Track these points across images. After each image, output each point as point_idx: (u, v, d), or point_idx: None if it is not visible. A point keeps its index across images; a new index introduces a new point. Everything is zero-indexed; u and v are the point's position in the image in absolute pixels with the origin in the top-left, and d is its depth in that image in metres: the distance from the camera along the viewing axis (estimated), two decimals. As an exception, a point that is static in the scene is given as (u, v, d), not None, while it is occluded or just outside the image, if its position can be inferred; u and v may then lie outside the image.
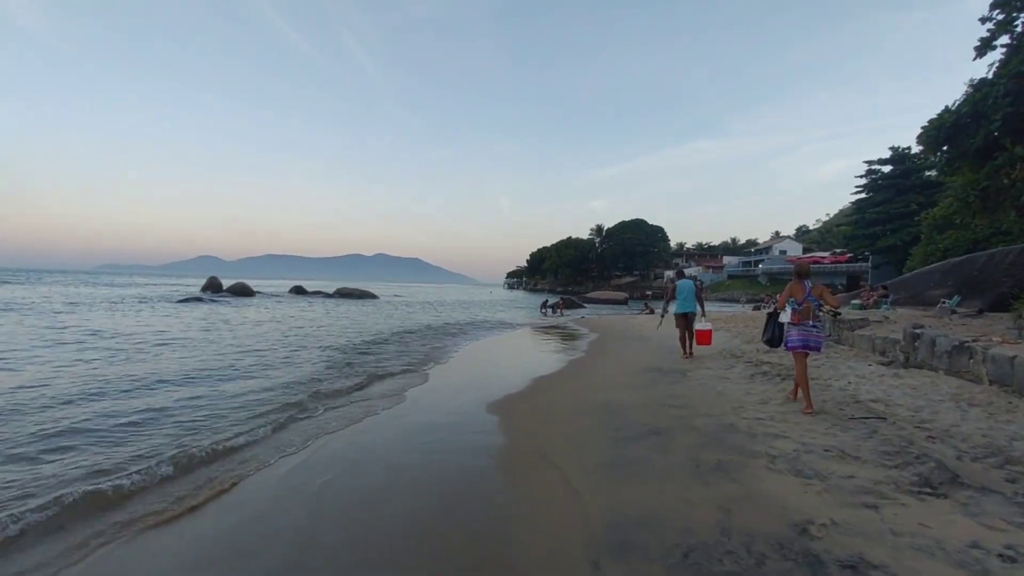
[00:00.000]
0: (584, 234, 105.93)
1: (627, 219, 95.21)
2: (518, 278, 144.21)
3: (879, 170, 52.62)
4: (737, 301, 53.32)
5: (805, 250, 78.50)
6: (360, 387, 7.40)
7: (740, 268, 78.37)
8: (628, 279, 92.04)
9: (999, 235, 29.93)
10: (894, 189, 50.05)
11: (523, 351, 12.91)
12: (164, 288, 42.26)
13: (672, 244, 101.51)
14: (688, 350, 9.58)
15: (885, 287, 17.40)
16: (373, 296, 39.07)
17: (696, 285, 9.53)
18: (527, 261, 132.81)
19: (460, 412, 6.00)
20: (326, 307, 27.21)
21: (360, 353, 10.75)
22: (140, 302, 24.54)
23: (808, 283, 5.34)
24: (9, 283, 40.41)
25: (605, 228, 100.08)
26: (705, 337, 9.33)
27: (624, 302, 49.55)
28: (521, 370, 8.94)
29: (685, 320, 9.54)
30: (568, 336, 16.02)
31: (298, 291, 40.09)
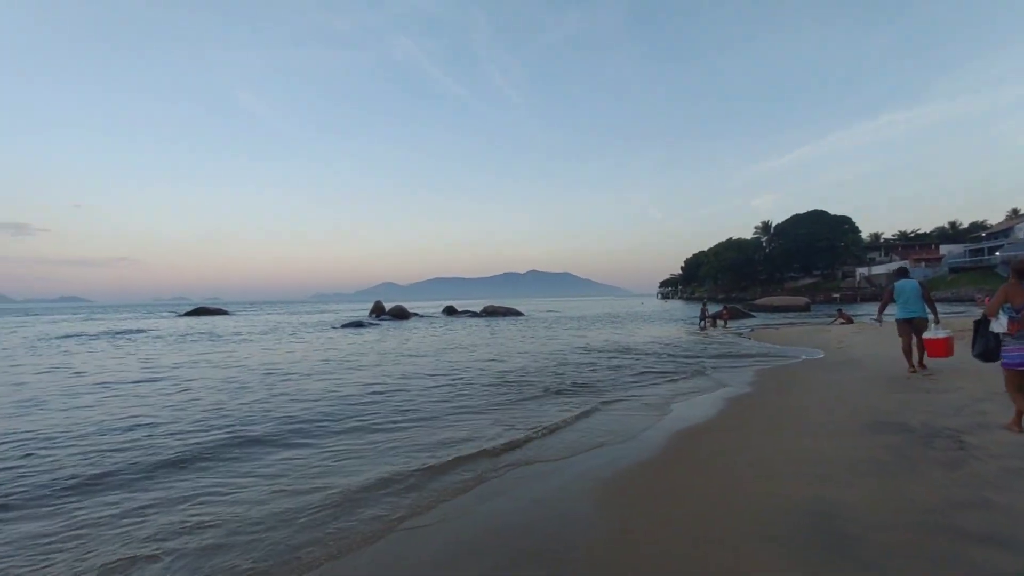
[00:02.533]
0: (747, 234, 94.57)
1: (801, 212, 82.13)
2: (672, 287, 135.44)
3: None
4: (972, 299, 41.44)
5: (1073, 229, 58.51)
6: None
7: (966, 259, 61.39)
8: (807, 281, 78.92)
9: None
10: None
11: (653, 375, 9.96)
12: (347, 313, 47.59)
13: (864, 235, 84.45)
14: (917, 363, 8.02)
15: None
16: (518, 313, 38.89)
17: (921, 285, 8.03)
18: (681, 268, 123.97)
19: (553, 502, 3.76)
20: (468, 327, 27.28)
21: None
22: (304, 328, 27.37)
23: None
24: (238, 314, 50.04)
25: (773, 225, 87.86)
26: (940, 348, 7.47)
27: (805, 308, 41.73)
28: (647, 409, 6.82)
29: (910, 326, 7.97)
30: (727, 354, 12.88)
31: (450, 311, 41.81)
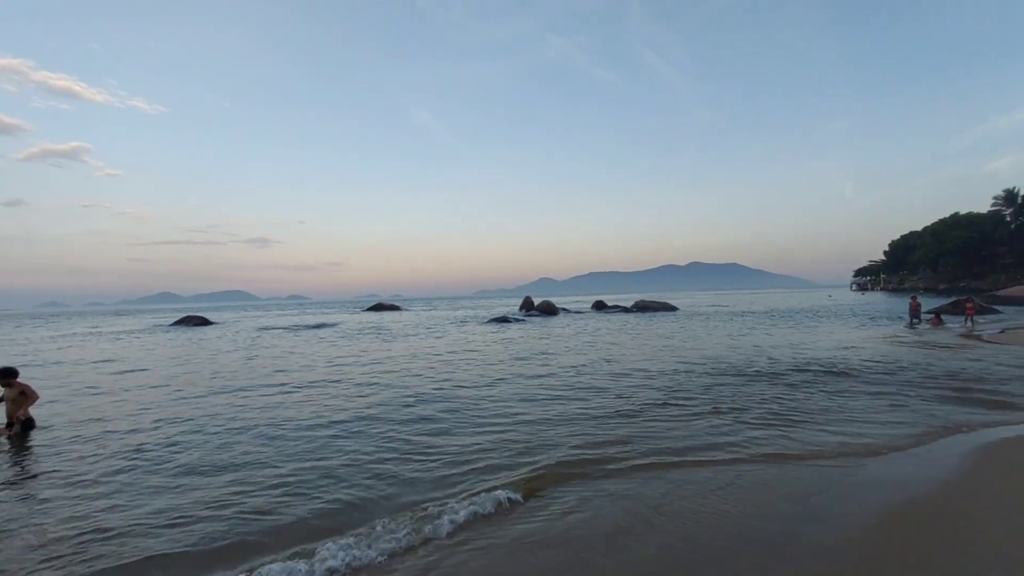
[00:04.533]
0: (981, 208, 74.36)
1: (1071, 172, 61.49)
2: (872, 275, 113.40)
3: None
4: None
5: None
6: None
7: None
8: (1082, 264, 58.93)
9: None
10: None
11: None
12: (501, 308, 49.85)
13: None
14: None
15: None
16: (672, 308, 36.14)
17: None
18: (884, 253, 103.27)
19: None
20: (616, 322, 25.97)
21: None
22: (455, 324, 28.95)
23: None
24: (409, 309, 56.17)
25: (1021, 194, 67.58)
26: None
27: (1082, 301, 30.95)
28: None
29: None
30: (975, 378, 9.06)
31: (599, 306, 40.75)
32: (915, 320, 20.19)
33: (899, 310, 28.39)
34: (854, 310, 32.82)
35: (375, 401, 8.25)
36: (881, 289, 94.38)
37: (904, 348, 13.45)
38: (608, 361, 12.12)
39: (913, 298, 21.47)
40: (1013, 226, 68.17)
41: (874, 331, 18.59)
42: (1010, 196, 70.13)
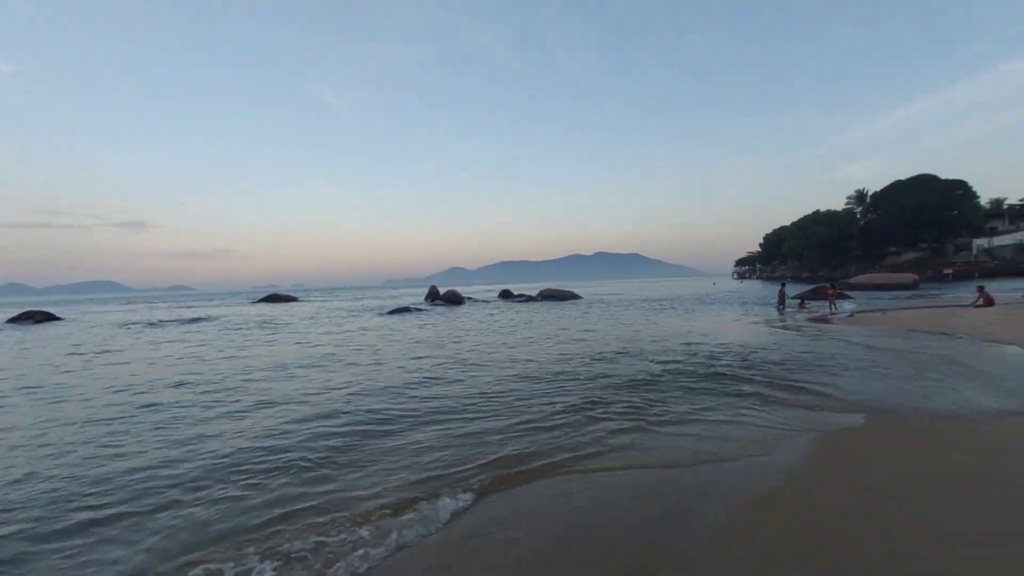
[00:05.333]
0: (836, 206, 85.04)
1: (904, 179, 72.12)
2: (750, 265, 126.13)
3: None
4: None
5: None
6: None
7: None
8: (909, 256, 69.56)
9: None
10: None
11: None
12: (406, 299, 47.92)
13: (983, 202, 72.66)
14: None
15: None
16: (576, 297, 36.93)
17: None
18: (760, 245, 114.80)
19: None
20: (517, 311, 25.81)
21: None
22: (352, 315, 27.22)
23: None
24: (307, 300, 52.27)
25: (870, 194, 78.20)
26: None
27: (914, 285, 36.26)
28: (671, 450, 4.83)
29: None
30: (823, 356, 9.97)
31: (506, 295, 40.65)
32: (783, 305, 22.12)
33: (771, 296, 31.23)
34: (733, 297, 35.69)
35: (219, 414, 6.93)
36: (757, 277, 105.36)
37: (769, 333, 14.17)
38: (481, 351, 11.60)
39: (782, 286, 23.66)
40: (863, 222, 78.62)
41: (750, 316, 20.05)
42: (860, 196, 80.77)
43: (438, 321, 21.40)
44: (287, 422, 6.15)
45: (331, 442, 5.33)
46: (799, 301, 23.56)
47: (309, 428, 5.86)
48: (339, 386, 8.25)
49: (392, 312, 27.26)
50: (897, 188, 71.74)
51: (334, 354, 12.21)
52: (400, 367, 10.01)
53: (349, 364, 10.63)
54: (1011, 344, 9.75)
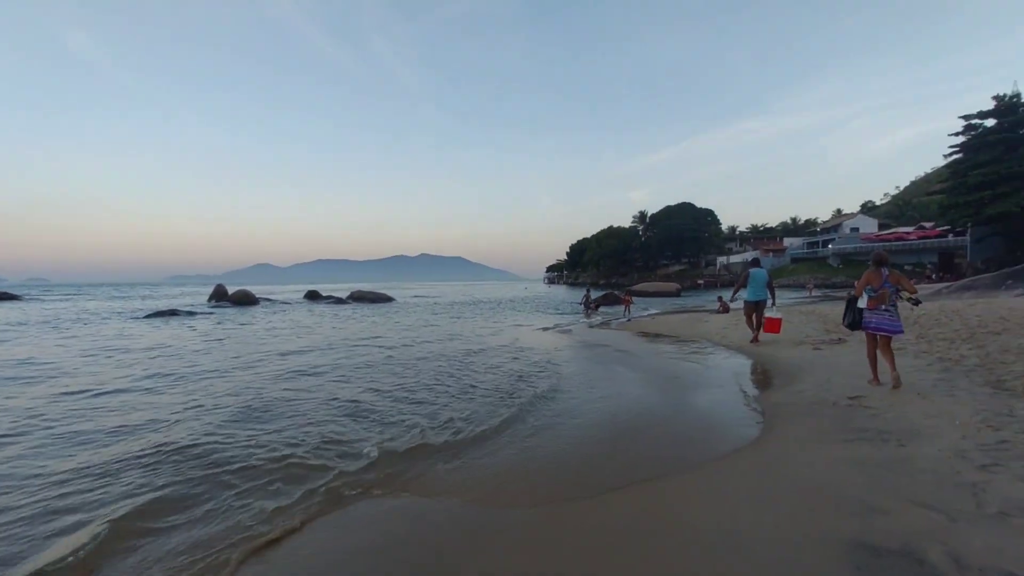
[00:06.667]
0: (626, 223, 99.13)
1: (672, 204, 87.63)
2: (558, 272, 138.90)
3: (981, 125, 43.92)
4: (803, 287, 45.53)
5: (881, 226, 69.12)
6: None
7: (805, 250, 69.90)
8: (676, 268, 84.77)
9: None
10: (1003, 146, 41.54)
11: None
12: (185, 298, 39.95)
13: (724, 228, 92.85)
14: (756, 335, 9.95)
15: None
16: (388, 299, 35.13)
17: (768, 275, 9.98)
18: (567, 254, 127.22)
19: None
20: (315, 317, 23.25)
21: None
22: (94, 319, 21.24)
23: (885, 271, 5.75)
24: (36, 299, 39.64)
25: (649, 215, 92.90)
26: (774, 325, 9.73)
27: (676, 293, 43.57)
28: None
29: (756, 307, 9.97)
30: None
31: (313, 296, 36.79)
32: (588, 308, 24.22)
33: (576, 299, 34.23)
34: (537, 300, 37.86)
35: None
36: (564, 283, 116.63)
37: (561, 341, 15.10)
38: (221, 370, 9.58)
39: (587, 290, 26.07)
40: (643, 238, 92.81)
41: (556, 319, 21.32)
42: (643, 216, 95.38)
43: (204, 328, 16.84)
44: None
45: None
46: (593, 305, 26.04)
47: None
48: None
49: (152, 316, 21.78)
50: (667, 212, 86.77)
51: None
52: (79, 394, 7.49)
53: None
54: (729, 347, 11.53)
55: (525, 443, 4.74)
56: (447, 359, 9.77)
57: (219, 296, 32.96)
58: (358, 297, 34.43)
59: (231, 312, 25.51)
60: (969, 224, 43.14)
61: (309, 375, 8.38)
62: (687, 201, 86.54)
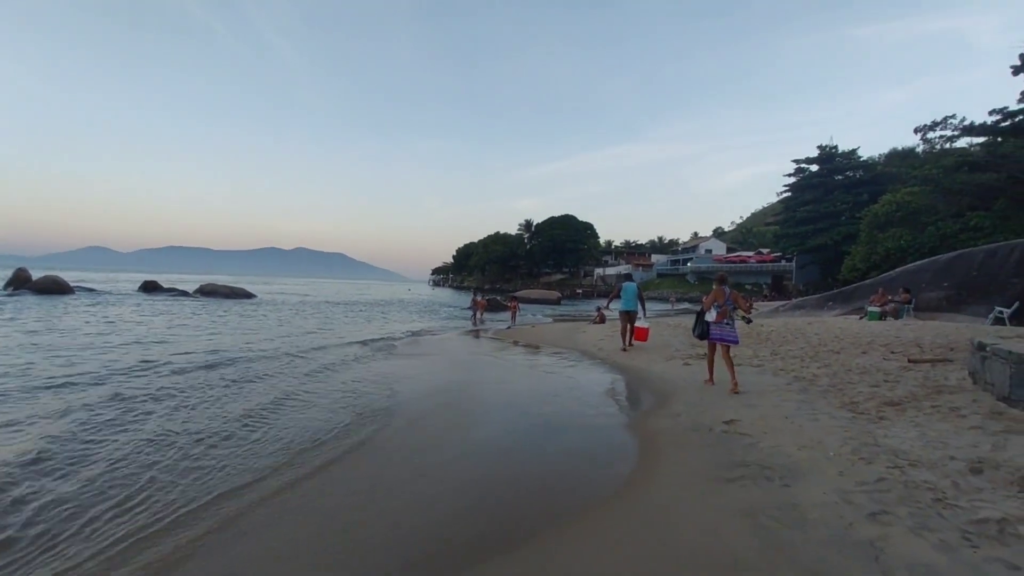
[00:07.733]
0: (512, 230, 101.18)
1: (556, 215, 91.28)
2: (444, 274, 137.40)
3: (807, 169, 51.94)
4: (666, 300, 48.74)
5: (729, 249, 78.78)
6: None
7: (669, 267, 77.21)
8: (558, 276, 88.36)
9: (968, 231, 28.30)
10: (823, 188, 49.46)
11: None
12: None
13: (601, 242, 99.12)
14: (627, 343, 10.85)
15: (908, 290, 13.34)
16: (249, 295, 31.05)
17: (638, 288, 11.07)
18: (453, 257, 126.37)
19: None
20: (140, 311, 19.53)
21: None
22: None
23: (727, 289, 6.64)
24: None
25: (534, 224, 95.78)
26: (642, 334, 10.70)
27: (557, 301, 44.94)
28: None
29: (628, 317, 10.83)
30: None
31: (150, 288, 31.22)
32: (475, 315, 23.28)
33: (464, 303, 33.37)
34: (426, 304, 36.40)
35: None
36: (450, 286, 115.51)
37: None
38: None
39: (474, 294, 25.23)
40: (529, 246, 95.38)
41: (429, 321, 20.20)
42: (528, 225, 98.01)
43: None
44: None
45: None
46: (479, 311, 25.29)
47: None
48: None
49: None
50: (551, 223, 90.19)
51: None
52: None
53: None
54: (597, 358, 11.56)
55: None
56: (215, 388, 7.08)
57: (20, 282, 26.60)
58: (209, 291, 29.86)
59: (28, 302, 20.35)
60: (795, 252, 50.65)
61: None
62: (570, 213, 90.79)
